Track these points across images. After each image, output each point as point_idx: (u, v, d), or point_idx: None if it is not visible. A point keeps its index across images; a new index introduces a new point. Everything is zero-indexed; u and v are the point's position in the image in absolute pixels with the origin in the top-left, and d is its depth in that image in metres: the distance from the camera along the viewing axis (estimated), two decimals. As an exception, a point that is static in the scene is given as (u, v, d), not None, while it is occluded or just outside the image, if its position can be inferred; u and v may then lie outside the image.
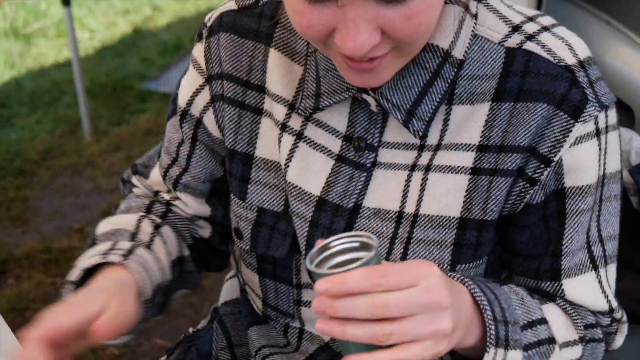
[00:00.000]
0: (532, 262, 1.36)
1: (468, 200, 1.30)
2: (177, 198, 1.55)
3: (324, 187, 1.35)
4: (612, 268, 1.40)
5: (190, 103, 1.49)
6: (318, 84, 1.32)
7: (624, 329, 1.46)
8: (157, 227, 1.50)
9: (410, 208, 1.32)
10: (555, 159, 1.25)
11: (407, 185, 1.32)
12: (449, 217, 1.30)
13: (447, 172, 1.29)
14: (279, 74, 1.39)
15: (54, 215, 4.13)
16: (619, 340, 1.46)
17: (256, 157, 1.42)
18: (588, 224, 1.33)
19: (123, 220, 1.49)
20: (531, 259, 1.36)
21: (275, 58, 1.38)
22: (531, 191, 1.28)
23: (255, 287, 1.52)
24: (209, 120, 1.47)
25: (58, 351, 1.16)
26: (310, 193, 1.36)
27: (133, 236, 1.45)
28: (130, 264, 1.31)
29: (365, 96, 1.28)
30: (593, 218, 1.33)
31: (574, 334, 1.37)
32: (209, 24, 1.45)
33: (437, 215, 1.31)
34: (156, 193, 1.58)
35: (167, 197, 1.57)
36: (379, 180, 1.33)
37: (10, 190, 4.32)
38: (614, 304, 1.38)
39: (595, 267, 1.36)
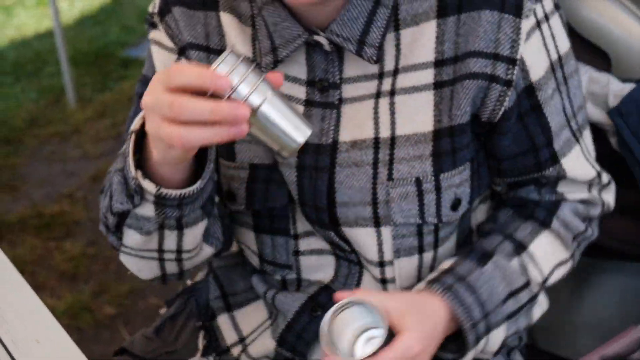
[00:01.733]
0: (527, 159, 1.44)
1: (437, 112, 1.35)
2: None
3: None
4: (587, 134, 1.50)
5: None
6: (271, 39, 1.36)
7: (613, 188, 1.58)
8: None
9: (385, 133, 1.37)
10: (518, 57, 1.31)
11: (376, 113, 1.37)
12: (424, 132, 1.36)
13: (412, 92, 1.36)
14: (235, 34, 1.42)
15: (43, 182, 4.16)
16: (612, 201, 1.57)
17: None
18: (561, 104, 1.41)
19: None
20: (522, 156, 1.43)
21: (227, 20, 1.42)
22: (509, 93, 1.33)
23: (251, 245, 1.56)
24: None
25: None
26: None
27: None
28: None
29: (317, 37, 1.33)
30: (564, 97, 1.41)
31: (565, 254, 1.49)
32: (156, 10, 1.47)
33: (413, 133, 1.36)
34: None
35: None
36: (349, 114, 1.39)
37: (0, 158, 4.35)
38: (597, 167, 1.50)
39: (577, 140, 1.45)
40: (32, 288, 1.64)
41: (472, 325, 1.34)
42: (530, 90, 1.36)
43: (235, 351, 1.65)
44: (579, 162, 1.45)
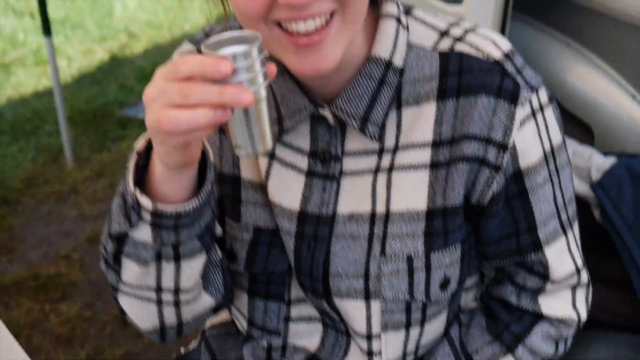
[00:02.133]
0: (509, 243, 1.45)
1: (431, 192, 1.38)
2: None
3: (301, 201, 1.43)
4: (575, 226, 1.49)
5: None
6: (278, 109, 1.39)
7: (590, 291, 1.59)
8: None
9: (380, 208, 1.39)
10: (510, 143, 1.34)
11: (374, 188, 1.40)
12: (418, 210, 1.39)
13: (409, 170, 1.38)
14: None
15: (39, 242, 4.15)
16: (584, 311, 1.56)
17: (242, 178, 1.48)
18: (552, 194, 1.42)
19: None
20: (505, 240, 1.45)
21: None
22: (497, 177, 1.36)
23: (242, 307, 1.58)
24: None
25: None
26: (290, 209, 1.43)
27: None
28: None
29: (322, 111, 1.37)
30: (556, 188, 1.42)
31: None
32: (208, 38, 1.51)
33: (407, 211, 1.39)
34: None
35: None
36: (348, 187, 1.41)
37: (-6, 217, 4.35)
38: (580, 262, 1.50)
39: (564, 231, 1.45)
40: (27, 352, 1.66)
41: None
42: (518, 176, 1.38)
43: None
44: (562, 254, 1.46)
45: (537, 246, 1.44)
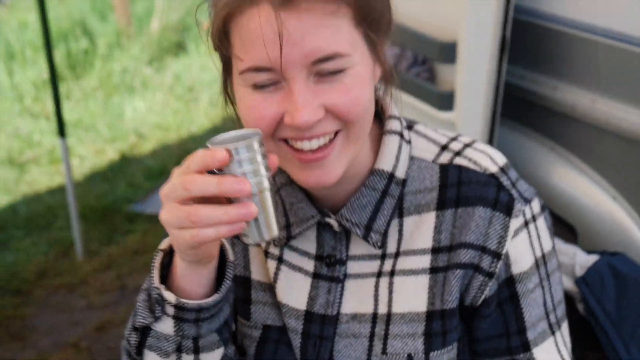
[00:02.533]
0: (499, 342, 1.45)
1: (431, 295, 1.39)
2: None
3: (308, 302, 1.44)
4: (564, 326, 1.48)
5: None
6: (287, 217, 1.43)
7: None
8: None
9: (382, 309, 1.41)
10: (504, 252, 1.36)
11: (376, 290, 1.42)
12: (418, 312, 1.40)
13: (410, 275, 1.40)
14: None
15: (50, 331, 4.13)
16: None
17: (253, 280, 1.50)
18: (542, 298, 1.42)
19: None
20: (496, 339, 1.45)
21: None
22: (490, 283, 1.38)
23: None
24: None
25: None
26: (297, 309, 1.45)
27: None
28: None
29: (328, 219, 1.40)
30: (546, 292, 1.43)
31: None
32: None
33: (408, 312, 1.40)
34: None
35: None
36: (352, 288, 1.43)
37: (8, 309, 4.33)
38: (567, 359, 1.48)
39: (553, 332, 1.45)
40: None
41: None
42: (510, 282, 1.40)
43: None
44: (550, 354, 1.45)
45: (527, 347, 1.44)
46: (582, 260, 1.87)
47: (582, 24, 2.57)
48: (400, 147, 1.40)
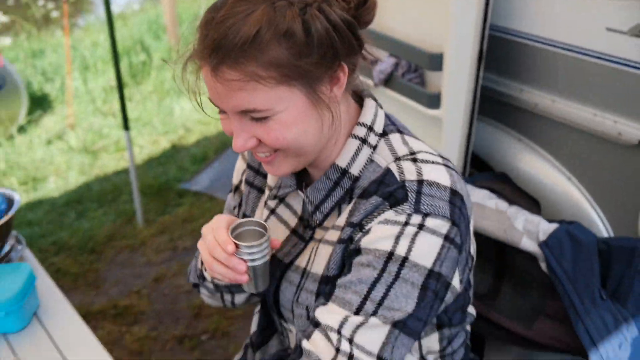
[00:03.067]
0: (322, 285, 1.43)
1: (327, 261, 1.40)
2: None
3: (278, 248, 1.48)
4: (374, 329, 1.29)
5: (238, 182, 1.68)
6: (280, 184, 1.50)
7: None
8: None
9: (308, 266, 1.46)
10: (367, 227, 1.31)
11: (310, 251, 1.46)
12: (317, 274, 1.44)
13: (325, 244, 1.44)
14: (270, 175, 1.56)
15: (117, 282, 4.14)
16: None
17: None
18: (370, 284, 1.28)
19: None
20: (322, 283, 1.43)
21: None
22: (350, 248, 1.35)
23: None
24: (245, 191, 1.65)
25: None
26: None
27: None
28: None
29: (298, 192, 1.47)
30: (381, 283, 1.28)
31: None
32: None
33: (315, 272, 1.44)
34: None
35: None
36: (308, 249, 1.46)
37: (85, 265, 4.34)
38: (345, 332, 1.28)
39: (356, 310, 1.29)
40: None
41: None
42: (358, 251, 1.32)
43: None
44: (333, 310, 1.33)
45: (327, 298, 1.35)
46: (544, 227, 1.85)
47: (544, 38, 2.55)
48: (358, 150, 1.37)
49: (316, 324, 1.32)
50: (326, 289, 1.37)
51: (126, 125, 4.56)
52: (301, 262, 1.46)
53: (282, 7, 1.21)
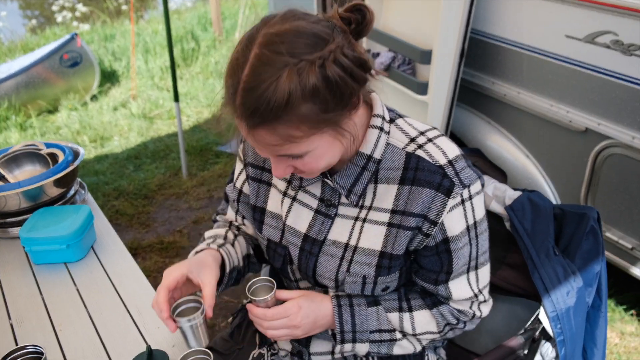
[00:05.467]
0: (431, 275, 1.37)
1: (384, 241, 1.31)
2: (242, 223, 1.60)
3: (307, 228, 1.38)
4: (484, 269, 1.38)
5: (236, 180, 1.56)
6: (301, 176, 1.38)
7: (489, 304, 1.46)
8: (235, 236, 1.53)
9: (353, 242, 1.34)
10: (439, 221, 1.26)
11: (352, 229, 1.35)
12: (374, 250, 1.33)
13: (374, 224, 1.32)
14: None
15: (164, 222, 4.08)
16: (485, 311, 1.45)
17: (267, 210, 1.46)
18: (469, 252, 1.33)
19: (218, 231, 1.56)
20: (431, 273, 1.37)
21: None
22: (427, 240, 1.29)
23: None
24: (246, 189, 1.54)
25: (175, 293, 1.32)
26: (300, 231, 1.39)
27: (224, 238, 1.48)
28: (221, 250, 1.42)
29: (327, 180, 1.33)
30: (473, 247, 1.33)
31: (434, 329, 1.43)
32: (241, 139, 1.52)
33: (368, 248, 1.33)
34: (230, 222, 1.62)
35: (236, 223, 1.61)
36: (337, 224, 1.36)
37: (139, 208, 4.28)
38: (476, 290, 1.39)
39: (467, 272, 1.36)
40: (154, 288, 1.65)
41: (340, 330, 1.38)
42: (446, 241, 1.30)
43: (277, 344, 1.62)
44: (461, 286, 1.38)
45: (446, 280, 1.37)
46: (510, 194, 1.77)
47: (513, 41, 2.47)
48: (378, 137, 1.29)
49: (447, 299, 1.40)
50: (395, 263, 1.34)
51: (176, 98, 4.46)
52: (337, 237, 1.37)
53: (303, 68, 1.05)
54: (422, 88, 2.68)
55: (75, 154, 2.11)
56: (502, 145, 2.54)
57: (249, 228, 1.59)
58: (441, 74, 2.57)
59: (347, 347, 1.42)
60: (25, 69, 6.07)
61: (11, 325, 1.57)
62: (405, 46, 2.75)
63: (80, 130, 5.66)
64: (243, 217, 1.58)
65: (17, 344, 1.48)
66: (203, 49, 7.77)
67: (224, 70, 1.15)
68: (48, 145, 2.14)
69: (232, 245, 1.50)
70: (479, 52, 2.68)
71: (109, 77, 7.07)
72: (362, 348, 1.42)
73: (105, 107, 6.27)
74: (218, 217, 1.66)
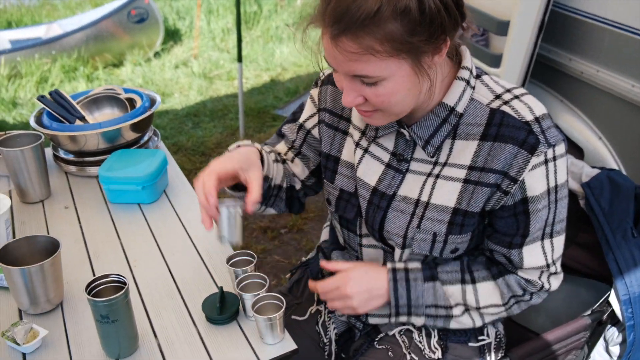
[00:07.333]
0: (506, 238, 1.31)
1: (459, 198, 1.26)
2: (291, 160, 1.55)
3: (377, 181, 1.34)
4: (558, 238, 1.33)
5: (305, 121, 1.50)
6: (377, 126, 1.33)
7: (559, 277, 1.41)
8: (276, 160, 1.50)
9: (424, 198, 1.29)
10: (520, 179, 1.21)
11: (424, 185, 1.30)
12: (447, 206, 1.28)
13: (449, 180, 1.27)
14: (356, 115, 1.40)
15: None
16: (554, 285, 1.40)
17: (342, 159, 1.42)
18: (547, 216, 1.27)
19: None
20: (505, 236, 1.31)
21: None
22: (505, 198, 1.24)
23: (339, 232, 1.53)
24: (315, 133, 1.48)
25: (219, 183, 1.28)
26: (369, 184, 1.35)
27: (268, 153, 1.47)
28: (263, 153, 1.41)
29: (402, 130, 1.29)
30: (551, 212, 1.27)
31: (499, 301, 1.38)
32: (322, 78, 1.47)
33: (441, 205, 1.28)
34: (278, 153, 1.56)
35: (284, 157, 1.56)
36: (408, 179, 1.32)
37: (197, 163, 4.32)
38: (549, 260, 1.34)
39: (542, 239, 1.31)
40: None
41: (395, 305, 1.36)
42: (525, 201, 1.25)
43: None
44: (534, 252, 1.33)
45: (521, 245, 1.31)
46: (587, 171, 1.71)
47: (595, 15, 2.36)
48: (464, 91, 1.23)
49: (516, 267, 1.35)
50: (468, 222, 1.29)
51: (240, 58, 4.45)
52: (407, 192, 1.33)
53: None
54: (495, 60, 2.59)
55: (152, 101, 2.14)
56: (573, 125, 2.45)
57: (296, 166, 1.55)
58: (517, 47, 2.48)
59: (402, 319, 1.39)
60: (94, 22, 6.16)
61: (89, 258, 1.61)
62: (482, 15, 2.67)
63: (143, 85, 5.74)
64: (296, 155, 1.54)
65: (94, 275, 1.51)
66: (265, 12, 7.74)
67: None
68: (126, 91, 2.18)
69: (275, 161, 1.50)
70: (557, 25, 2.58)
71: (172, 36, 7.12)
72: (417, 320, 1.40)
73: (167, 64, 6.32)
74: (266, 147, 1.63)
